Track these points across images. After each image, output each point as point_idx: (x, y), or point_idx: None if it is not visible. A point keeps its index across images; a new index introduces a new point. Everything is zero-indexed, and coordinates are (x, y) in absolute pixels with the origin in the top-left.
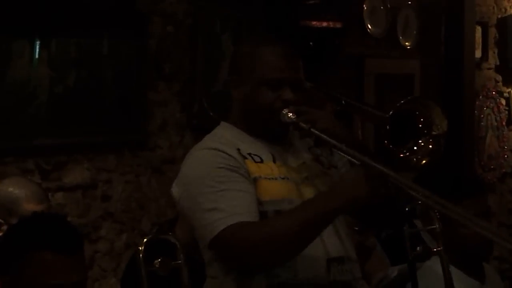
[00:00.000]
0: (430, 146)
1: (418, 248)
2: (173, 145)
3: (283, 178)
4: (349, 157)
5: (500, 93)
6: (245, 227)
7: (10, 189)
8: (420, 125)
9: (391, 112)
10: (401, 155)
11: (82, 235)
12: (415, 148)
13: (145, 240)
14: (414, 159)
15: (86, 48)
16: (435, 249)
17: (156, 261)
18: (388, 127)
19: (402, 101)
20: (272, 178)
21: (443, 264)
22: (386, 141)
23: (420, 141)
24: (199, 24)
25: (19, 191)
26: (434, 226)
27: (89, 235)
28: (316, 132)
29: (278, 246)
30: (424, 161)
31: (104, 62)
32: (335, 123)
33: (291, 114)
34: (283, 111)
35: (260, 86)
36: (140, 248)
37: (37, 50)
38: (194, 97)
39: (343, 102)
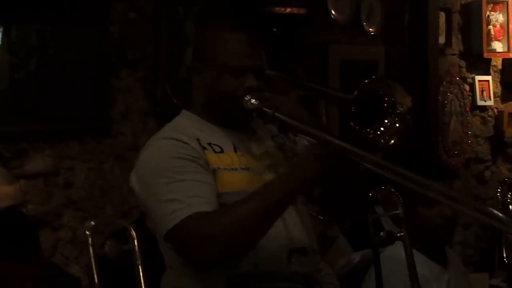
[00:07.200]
0: (397, 125)
1: (381, 233)
2: (136, 132)
3: (243, 169)
4: (313, 139)
5: (464, 79)
6: (201, 219)
7: None
8: (385, 105)
9: (355, 93)
10: (369, 136)
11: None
12: (382, 128)
13: (92, 223)
14: (382, 140)
15: (47, 35)
16: (398, 234)
17: (105, 244)
18: (353, 109)
19: (365, 81)
20: (232, 169)
21: (406, 248)
22: (352, 123)
23: (386, 121)
24: (162, 10)
25: None
26: (398, 211)
27: (51, 223)
28: (280, 116)
29: (237, 237)
30: (392, 141)
31: (66, 49)
32: (299, 108)
33: (254, 100)
34: (245, 97)
35: (223, 73)
36: (88, 232)
37: None
38: (157, 84)
39: (306, 86)
